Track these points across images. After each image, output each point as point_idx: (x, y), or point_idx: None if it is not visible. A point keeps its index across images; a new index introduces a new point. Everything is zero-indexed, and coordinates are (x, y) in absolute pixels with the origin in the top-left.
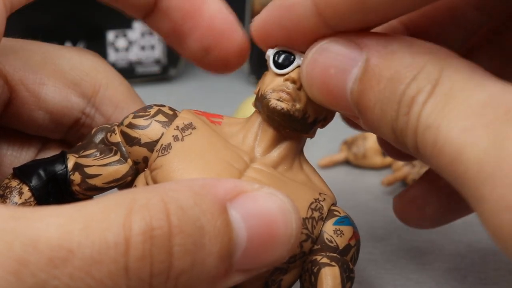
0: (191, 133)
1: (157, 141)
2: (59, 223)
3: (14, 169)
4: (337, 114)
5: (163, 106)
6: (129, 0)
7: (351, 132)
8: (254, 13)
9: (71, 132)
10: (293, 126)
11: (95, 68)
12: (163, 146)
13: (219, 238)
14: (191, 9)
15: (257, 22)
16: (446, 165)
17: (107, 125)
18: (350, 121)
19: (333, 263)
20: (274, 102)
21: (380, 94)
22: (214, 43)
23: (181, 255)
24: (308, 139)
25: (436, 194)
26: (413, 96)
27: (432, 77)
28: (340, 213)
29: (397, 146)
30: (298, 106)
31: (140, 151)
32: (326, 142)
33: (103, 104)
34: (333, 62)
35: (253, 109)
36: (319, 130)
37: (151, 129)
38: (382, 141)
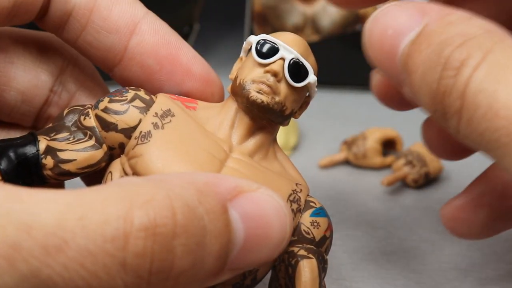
0: (170, 120)
1: (134, 128)
2: (56, 210)
3: None
4: (335, 115)
5: (139, 89)
6: (94, 46)
7: (351, 132)
8: (254, 13)
9: (41, 115)
10: (270, 118)
11: (61, 48)
12: (143, 133)
13: (219, 238)
14: (168, 54)
15: None
16: (498, 128)
17: (78, 107)
18: (383, 98)
19: (310, 255)
20: (254, 95)
21: (426, 56)
22: (194, 88)
23: (184, 255)
24: (308, 139)
25: (488, 199)
26: (463, 59)
27: (484, 47)
28: (316, 204)
29: (431, 113)
30: (277, 99)
31: (117, 137)
32: (326, 142)
33: (69, 82)
34: (392, 24)
35: None
36: (319, 130)
37: (128, 114)
38: (429, 140)
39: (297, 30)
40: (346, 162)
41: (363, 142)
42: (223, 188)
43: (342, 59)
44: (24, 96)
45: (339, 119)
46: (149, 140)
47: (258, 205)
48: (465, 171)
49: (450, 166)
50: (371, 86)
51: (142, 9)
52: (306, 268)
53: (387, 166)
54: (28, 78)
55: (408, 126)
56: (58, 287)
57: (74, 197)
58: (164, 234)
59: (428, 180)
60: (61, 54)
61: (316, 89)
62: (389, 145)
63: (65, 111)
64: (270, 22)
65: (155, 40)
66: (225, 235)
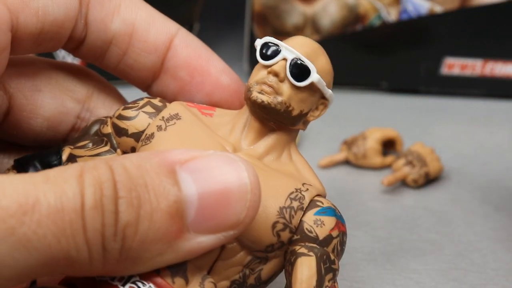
0: (175, 123)
1: (143, 132)
2: (22, 177)
3: (15, 160)
4: (335, 115)
5: (154, 98)
6: (135, 68)
7: (351, 132)
8: (254, 13)
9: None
10: (276, 119)
11: (86, 75)
12: (147, 135)
13: (165, 195)
14: (198, 66)
15: None
16: None
17: (102, 118)
18: None
19: (310, 253)
20: (255, 95)
21: None
22: (223, 99)
23: (125, 208)
24: (308, 139)
25: None
26: None
27: None
28: (323, 203)
29: None
30: (280, 99)
31: (128, 142)
32: (326, 142)
33: (97, 108)
34: None
35: None
36: (319, 130)
37: (138, 119)
38: None
39: (297, 30)
40: (346, 162)
41: (363, 142)
42: (171, 155)
43: (342, 59)
44: (49, 123)
45: (339, 119)
46: (151, 141)
47: (210, 164)
48: (465, 171)
49: (450, 166)
50: None
51: (174, 25)
52: (304, 265)
53: (387, 166)
54: (54, 105)
55: (408, 126)
56: (32, 244)
57: (34, 173)
58: (109, 190)
59: (428, 180)
60: (87, 81)
61: (331, 91)
62: (389, 145)
63: (90, 122)
64: (270, 22)
65: (186, 53)
66: (172, 194)
